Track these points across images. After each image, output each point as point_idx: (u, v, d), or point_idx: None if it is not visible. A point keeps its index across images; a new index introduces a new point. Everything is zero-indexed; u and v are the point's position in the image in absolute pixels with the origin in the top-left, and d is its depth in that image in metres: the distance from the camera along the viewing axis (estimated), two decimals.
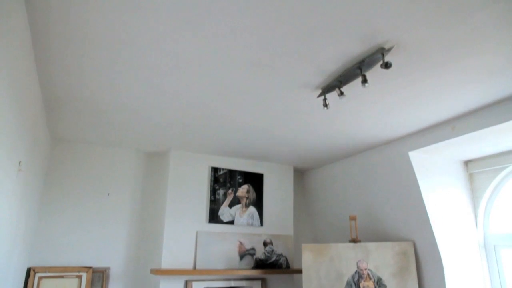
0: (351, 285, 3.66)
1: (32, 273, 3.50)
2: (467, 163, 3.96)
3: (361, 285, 3.64)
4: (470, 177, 3.94)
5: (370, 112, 3.04)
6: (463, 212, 3.80)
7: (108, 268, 3.93)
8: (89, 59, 2.29)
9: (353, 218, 3.94)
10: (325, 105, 2.61)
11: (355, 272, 3.69)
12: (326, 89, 2.56)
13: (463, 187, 3.88)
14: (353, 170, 4.41)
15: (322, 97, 2.65)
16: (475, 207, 3.86)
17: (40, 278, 3.53)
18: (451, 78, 2.45)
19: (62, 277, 3.62)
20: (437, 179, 3.73)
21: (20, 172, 2.48)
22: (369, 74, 2.33)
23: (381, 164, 3.99)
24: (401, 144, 3.70)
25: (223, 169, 4.45)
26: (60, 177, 3.93)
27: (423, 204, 3.54)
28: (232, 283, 4.19)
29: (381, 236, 4.03)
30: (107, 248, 3.99)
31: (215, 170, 4.39)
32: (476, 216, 3.84)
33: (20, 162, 2.44)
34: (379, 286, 3.59)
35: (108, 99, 2.90)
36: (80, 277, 3.69)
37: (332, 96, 2.62)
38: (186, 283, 3.98)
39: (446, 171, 3.84)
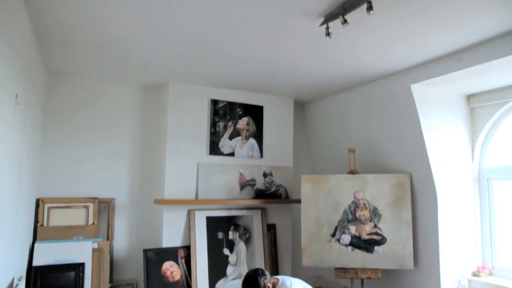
0: (347, 214, 3.82)
1: (41, 203, 3.63)
2: (469, 97, 3.92)
3: (357, 214, 3.79)
4: (471, 111, 3.92)
5: (374, 42, 2.93)
6: (460, 146, 3.84)
7: (113, 199, 4.07)
8: None
9: (352, 150, 3.99)
10: (328, 34, 2.51)
11: (352, 202, 3.83)
12: (329, 17, 2.43)
13: (463, 121, 3.88)
14: (353, 103, 4.38)
15: (325, 26, 2.53)
16: (473, 141, 3.89)
17: (49, 208, 3.67)
18: (459, 7, 2.33)
19: (69, 207, 3.76)
20: (437, 113, 3.71)
21: (17, 105, 2.46)
22: (374, 1, 2.20)
23: (382, 97, 3.94)
24: (404, 77, 3.63)
25: (222, 101, 4.41)
26: (59, 111, 3.91)
27: (422, 137, 3.56)
28: (233, 212, 4.37)
29: (379, 168, 4.12)
30: (111, 180, 4.09)
31: (214, 102, 4.36)
32: (473, 150, 3.89)
33: (16, 95, 2.40)
34: (375, 215, 3.74)
35: (99, 31, 2.79)
36: (87, 207, 3.83)
37: (335, 24, 2.50)
38: (189, 212, 4.15)
39: (447, 105, 3.81)
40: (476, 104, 3.85)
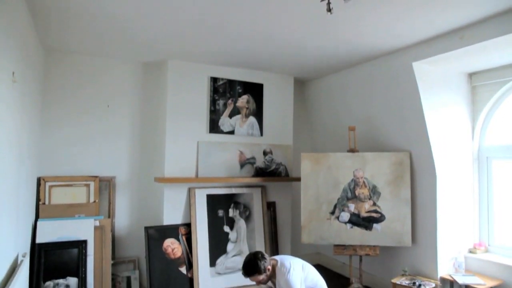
0: (347, 192, 3.84)
1: (42, 182, 3.64)
2: (471, 75, 3.88)
3: (356, 192, 3.82)
4: (473, 90, 3.89)
5: (376, 18, 2.88)
6: (461, 125, 3.84)
7: (114, 177, 4.08)
8: None
9: (352, 129, 3.99)
10: (329, 9, 2.44)
11: (352, 180, 3.85)
12: None
13: (464, 100, 3.86)
14: (354, 81, 4.34)
15: (326, 1, 2.47)
16: (474, 120, 3.88)
17: (50, 186, 3.68)
18: None
19: (71, 185, 3.77)
20: (438, 91, 3.69)
21: (15, 83, 2.43)
22: None
23: (384, 75, 3.91)
24: (406, 54, 3.58)
25: (222, 79, 4.37)
26: (57, 89, 3.87)
27: (422, 116, 3.55)
28: (233, 190, 4.40)
29: (379, 147, 4.12)
30: (112, 158, 4.09)
31: (214, 80, 4.32)
32: (473, 129, 3.88)
33: (13, 72, 2.37)
34: (374, 193, 3.77)
35: (96, 7, 2.73)
36: (88, 185, 3.85)
37: (336, 0, 2.44)
38: (189, 190, 4.17)
39: (449, 83, 3.78)
40: (478, 82, 3.82)
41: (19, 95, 2.63)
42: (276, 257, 3.04)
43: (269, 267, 2.86)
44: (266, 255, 2.92)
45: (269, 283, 3.00)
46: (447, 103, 3.74)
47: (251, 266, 2.82)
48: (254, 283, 2.96)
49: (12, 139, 2.44)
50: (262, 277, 2.84)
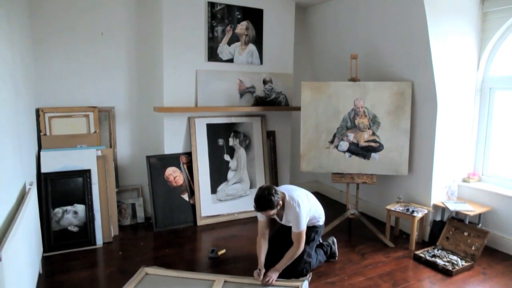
0: (347, 122, 3.85)
1: (41, 113, 3.62)
2: (483, 1, 3.67)
3: (356, 121, 3.82)
4: (484, 17, 3.71)
5: None
6: (467, 54, 3.72)
7: (113, 108, 4.05)
8: None
9: (354, 57, 3.87)
10: None
11: (352, 110, 3.83)
12: None
13: (473, 28, 3.69)
14: (358, 7, 4.12)
15: None
16: (481, 49, 3.76)
17: (50, 118, 3.67)
18: None
19: (70, 116, 3.76)
20: (447, 18, 3.52)
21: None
22: None
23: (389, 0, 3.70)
24: None
25: (220, 4, 4.14)
26: (46, 15, 3.65)
27: (428, 44, 3.43)
28: (233, 119, 4.40)
29: (381, 76, 4.04)
30: (110, 89, 4.02)
31: (211, 5, 4.09)
32: (479, 59, 3.77)
33: None
34: (374, 123, 3.77)
35: None
36: (87, 116, 3.83)
37: None
38: (189, 119, 4.17)
39: (459, 9, 3.59)
40: (490, 8, 3.63)
41: (6, 23, 2.50)
42: (281, 189, 2.97)
43: (281, 202, 2.83)
44: (278, 190, 2.86)
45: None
46: (455, 31, 3.59)
47: (266, 202, 2.75)
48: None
49: (4, 69, 2.37)
50: (273, 211, 2.81)
